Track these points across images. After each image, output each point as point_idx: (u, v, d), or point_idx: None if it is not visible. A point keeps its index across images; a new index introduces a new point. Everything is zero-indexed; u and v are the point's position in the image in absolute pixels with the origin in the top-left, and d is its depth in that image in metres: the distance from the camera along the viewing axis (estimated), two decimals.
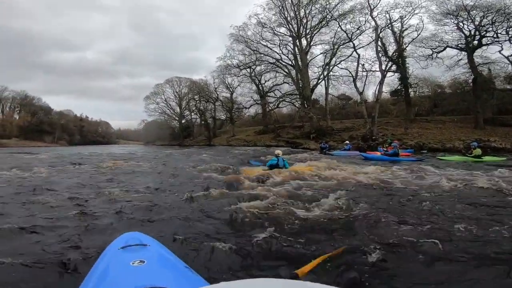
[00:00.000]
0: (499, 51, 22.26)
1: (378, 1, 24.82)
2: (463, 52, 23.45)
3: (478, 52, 23.06)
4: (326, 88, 31.22)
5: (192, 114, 49.11)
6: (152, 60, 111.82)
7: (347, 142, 18.58)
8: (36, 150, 27.84)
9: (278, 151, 7.84)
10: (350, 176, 6.46)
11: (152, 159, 13.86)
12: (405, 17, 24.66)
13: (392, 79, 28.43)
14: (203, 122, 46.95)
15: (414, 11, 23.99)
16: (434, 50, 24.47)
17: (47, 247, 2.61)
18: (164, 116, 50.60)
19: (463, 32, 23.06)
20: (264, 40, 33.25)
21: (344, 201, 4.01)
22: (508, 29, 21.33)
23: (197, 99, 45.10)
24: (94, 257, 2.05)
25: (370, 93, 36.09)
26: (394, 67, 25.97)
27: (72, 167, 9.65)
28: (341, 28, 27.73)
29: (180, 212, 3.81)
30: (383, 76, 24.40)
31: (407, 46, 25.35)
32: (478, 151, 10.48)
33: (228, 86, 40.62)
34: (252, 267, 2.29)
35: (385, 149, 13.73)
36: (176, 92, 48.78)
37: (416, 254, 2.42)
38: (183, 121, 49.85)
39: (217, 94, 42.47)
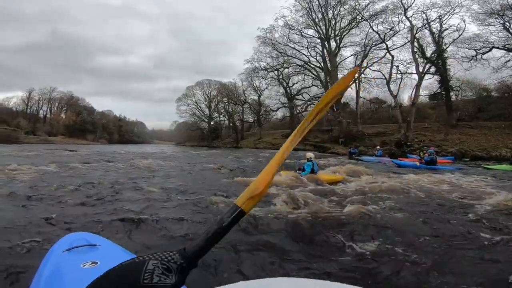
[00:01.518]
0: None
1: (412, 1, 23.56)
2: (511, 53, 21.29)
3: None
4: (357, 91, 30.05)
5: (221, 116, 50.17)
6: (187, 65, 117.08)
7: (378, 147, 17.65)
8: (78, 147, 30.09)
9: (311, 154, 7.07)
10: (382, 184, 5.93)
11: (177, 159, 14.22)
12: (443, 16, 23.10)
13: (431, 82, 26.60)
14: (231, 124, 47.69)
15: (454, 10, 22.38)
16: (478, 51, 22.52)
17: None
18: (194, 118, 52.16)
19: (510, 32, 20.99)
20: (291, 42, 32.96)
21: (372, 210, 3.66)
22: None
23: (225, 101, 45.94)
24: (35, 263, 1.83)
25: (405, 97, 34.16)
26: (433, 69, 24.27)
27: (100, 164, 10.16)
28: (373, 29, 26.59)
29: (162, 213, 3.65)
30: (420, 79, 23.01)
31: (448, 47, 23.63)
32: None
33: (256, 89, 40.92)
34: (224, 269, 2.15)
35: (420, 156, 12.71)
36: (206, 94, 50.06)
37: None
38: (211, 123, 50.95)
39: (245, 97, 42.95)
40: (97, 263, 1.07)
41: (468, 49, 22.74)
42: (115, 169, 8.80)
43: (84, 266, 1.06)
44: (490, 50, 22.26)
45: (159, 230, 2.98)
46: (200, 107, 50.97)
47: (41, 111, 61.71)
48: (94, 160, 11.88)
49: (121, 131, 73.35)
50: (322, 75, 31.98)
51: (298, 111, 35.54)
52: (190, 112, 51.33)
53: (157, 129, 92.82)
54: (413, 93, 23.43)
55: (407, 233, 2.97)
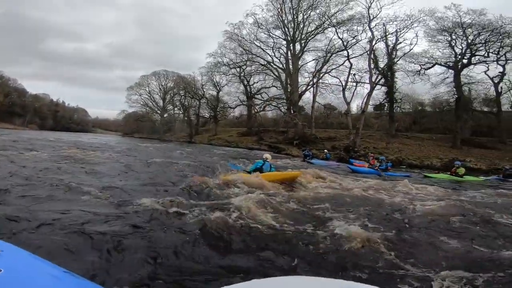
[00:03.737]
0: (485, 72, 22.83)
1: (379, 12, 24.25)
2: (450, 71, 23.80)
3: (464, 71, 23.42)
4: (314, 96, 30.95)
5: (175, 109, 47.77)
6: (150, 56, 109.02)
7: (326, 151, 18.20)
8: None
9: (267, 155, 7.35)
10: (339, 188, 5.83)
11: (121, 151, 12.80)
12: (401, 30, 24.34)
13: (377, 93, 28.56)
14: (186, 118, 45.64)
15: (412, 24, 23.57)
16: (423, 66, 24.54)
17: None
18: (146, 108, 48.83)
19: (454, 50, 23.36)
20: (258, 41, 32.71)
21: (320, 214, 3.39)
22: (499, 49, 21.78)
23: (182, 94, 43.81)
24: None
25: (353, 106, 36.30)
26: (383, 81, 25.92)
27: (24, 153, 8.51)
28: (338, 36, 27.26)
29: (83, 215, 3.19)
30: (372, 88, 24.09)
31: (398, 60, 25.28)
32: (461, 170, 10.41)
33: (216, 84, 39.77)
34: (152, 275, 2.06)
35: (366, 161, 13.50)
36: (162, 85, 47.21)
37: None
38: (165, 115, 48.29)
39: (204, 91, 41.40)
40: (1, 271, 1.00)
41: (415, 63, 24.63)
42: (38, 160, 7.37)
43: None
44: (433, 66, 24.33)
45: (74, 233, 2.60)
46: (153, 98, 47.97)
47: None
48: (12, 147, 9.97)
49: (57, 117, 65.55)
50: (283, 76, 32.30)
51: (256, 110, 35.43)
52: (142, 102, 48.05)
53: (103, 118, 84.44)
54: (364, 101, 24.50)
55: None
